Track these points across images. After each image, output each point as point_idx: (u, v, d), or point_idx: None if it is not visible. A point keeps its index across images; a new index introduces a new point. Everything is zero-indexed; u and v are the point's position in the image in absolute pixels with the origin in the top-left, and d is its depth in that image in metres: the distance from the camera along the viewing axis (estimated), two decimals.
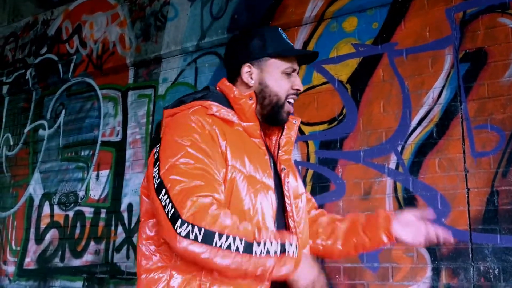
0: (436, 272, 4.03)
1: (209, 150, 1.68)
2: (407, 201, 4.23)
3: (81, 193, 6.34)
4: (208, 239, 1.52)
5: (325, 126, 4.74)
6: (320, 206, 4.55)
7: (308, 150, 4.79)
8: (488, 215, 3.90)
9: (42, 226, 6.59)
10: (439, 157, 4.16)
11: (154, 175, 1.70)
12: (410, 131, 4.32)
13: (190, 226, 1.54)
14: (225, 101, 1.87)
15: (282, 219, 1.86)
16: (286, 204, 1.86)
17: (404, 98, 4.38)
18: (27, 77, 7.25)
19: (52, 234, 6.47)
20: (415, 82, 4.36)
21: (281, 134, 1.98)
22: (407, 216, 2.06)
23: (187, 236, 1.53)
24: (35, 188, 6.83)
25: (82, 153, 6.48)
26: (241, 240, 1.54)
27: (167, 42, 5.95)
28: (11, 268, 6.82)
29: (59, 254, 6.34)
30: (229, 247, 1.53)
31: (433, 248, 4.06)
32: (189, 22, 5.80)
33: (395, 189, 4.31)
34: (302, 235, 1.90)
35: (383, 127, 4.44)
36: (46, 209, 6.63)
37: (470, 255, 3.91)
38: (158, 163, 1.70)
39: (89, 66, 6.62)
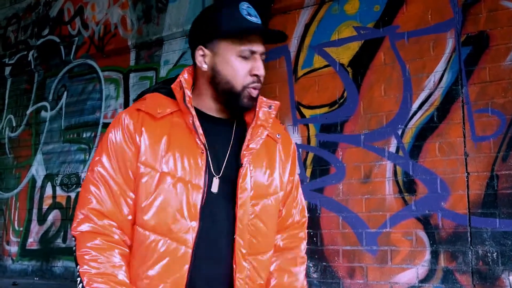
0: (434, 255, 4.04)
1: (119, 160, 1.66)
2: (407, 185, 4.24)
3: (83, 175, 6.36)
4: (77, 262, 1.62)
5: (325, 109, 4.74)
6: (320, 189, 4.59)
7: (308, 133, 4.79)
8: (488, 199, 3.90)
9: (45, 207, 6.64)
10: (439, 141, 4.15)
11: None
12: (410, 114, 4.31)
13: (74, 240, 1.66)
14: (171, 94, 1.73)
15: (233, 219, 1.68)
16: (237, 202, 1.68)
17: (405, 82, 4.37)
18: (29, 59, 7.25)
19: (55, 215, 6.52)
20: (416, 66, 4.34)
21: (253, 122, 1.74)
22: None
23: (73, 250, 1.67)
24: (37, 170, 6.86)
25: (84, 135, 6.49)
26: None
27: (169, 24, 5.93)
28: (14, 248, 6.88)
29: (61, 235, 6.39)
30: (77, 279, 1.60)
31: (432, 232, 4.07)
32: (191, 4, 5.77)
33: (395, 173, 4.31)
34: (256, 240, 1.71)
35: (384, 111, 4.43)
36: (49, 190, 6.67)
37: (469, 239, 3.92)
38: None
39: (91, 48, 6.61)
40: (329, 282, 4.48)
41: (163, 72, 5.91)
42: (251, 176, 1.71)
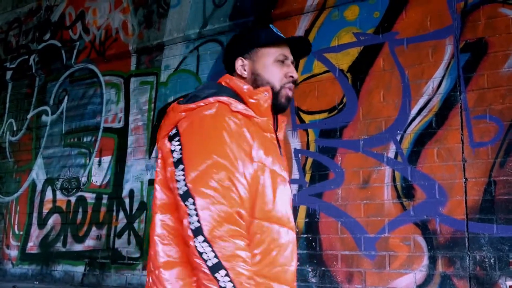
0: (432, 260, 4.06)
1: (236, 153, 1.72)
2: (405, 190, 4.26)
3: (83, 179, 6.38)
4: (215, 270, 1.58)
5: (325, 114, 4.76)
6: (319, 194, 4.60)
7: (308, 139, 4.81)
8: (485, 205, 3.92)
9: (45, 211, 6.65)
10: (437, 147, 4.18)
11: (177, 178, 1.70)
12: (409, 120, 4.33)
13: (209, 247, 1.59)
14: (236, 97, 1.87)
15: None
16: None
17: (404, 88, 4.39)
18: (30, 63, 7.28)
19: (55, 219, 6.53)
20: (415, 72, 4.37)
21: (276, 130, 2.02)
22: None
23: (200, 254, 1.59)
24: (38, 174, 6.88)
25: (85, 139, 6.51)
26: None
27: (170, 29, 5.96)
28: (14, 252, 6.89)
29: (61, 239, 6.40)
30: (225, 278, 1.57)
31: (429, 237, 4.09)
32: (192, 9, 5.80)
33: (393, 178, 4.33)
34: None
35: (383, 116, 4.46)
36: (49, 194, 6.68)
37: (467, 244, 3.94)
38: (182, 166, 1.71)
39: (92, 53, 6.64)
40: (327, 286, 4.49)
41: (163, 77, 5.94)
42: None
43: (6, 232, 7.07)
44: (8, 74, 7.54)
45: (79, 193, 6.39)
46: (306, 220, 4.68)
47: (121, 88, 6.32)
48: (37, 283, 6.41)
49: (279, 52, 1.98)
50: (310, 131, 4.82)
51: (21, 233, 6.86)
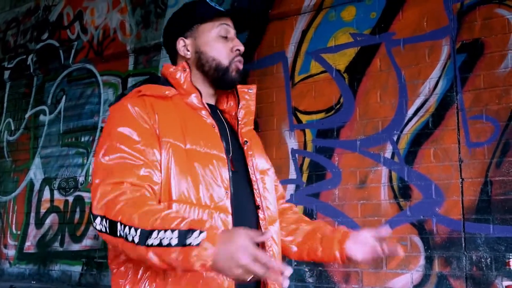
0: (429, 260, 4.07)
1: (137, 137, 1.64)
2: (402, 190, 4.27)
3: (81, 179, 6.39)
4: (113, 230, 1.48)
5: (322, 115, 4.77)
6: (316, 194, 4.61)
7: (305, 139, 4.82)
8: (482, 205, 3.93)
9: (42, 210, 6.65)
10: (434, 147, 4.19)
11: None
12: (406, 121, 4.34)
13: (99, 218, 1.52)
14: (166, 82, 1.83)
15: (249, 194, 1.82)
16: (251, 178, 1.83)
17: (401, 88, 4.40)
18: (28, 63, 7.28)
19: (52, 218, 6.53)
20: (412, 72, 4.38)
21: (238, 107, 1.92)
22: (363, 235, 1.94)
23: (100, 230, 1.52)
24: (35, 173, 6.88)
25: (82, 139, 6.52)
26: (136, 230, 1.42)
27: None
28: (11, 252, 6.89)
29: (58, 239, 6.41)
30: (126, 238, 1.44)
31: (426, 237, 4.10)
32: None
33: (390, 178, 4.34)
34: (270, 211, 1.85)
35: (380, 117, 4.47)
36: (46, 194, 6.68)
37: (463, 245, 3.95)
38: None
39: (90, 52, 6.64)
40: (324, 286, 4.50)
41: None
42: (253, 153, 1.89)
43: (3, 231, 7.07)
44: (6, 73, 7.54)
45: (77, 193, 6.39)
46: None
47: (119, 88, 6.32)
48: (34, 282, 6.42)
49: (220, 26, 1.88)
50: (307, 131, 4.83)
51: (19, 232, 6.86)
